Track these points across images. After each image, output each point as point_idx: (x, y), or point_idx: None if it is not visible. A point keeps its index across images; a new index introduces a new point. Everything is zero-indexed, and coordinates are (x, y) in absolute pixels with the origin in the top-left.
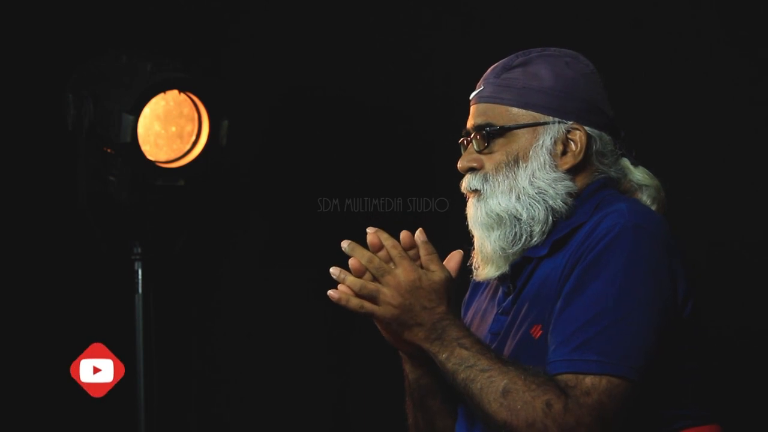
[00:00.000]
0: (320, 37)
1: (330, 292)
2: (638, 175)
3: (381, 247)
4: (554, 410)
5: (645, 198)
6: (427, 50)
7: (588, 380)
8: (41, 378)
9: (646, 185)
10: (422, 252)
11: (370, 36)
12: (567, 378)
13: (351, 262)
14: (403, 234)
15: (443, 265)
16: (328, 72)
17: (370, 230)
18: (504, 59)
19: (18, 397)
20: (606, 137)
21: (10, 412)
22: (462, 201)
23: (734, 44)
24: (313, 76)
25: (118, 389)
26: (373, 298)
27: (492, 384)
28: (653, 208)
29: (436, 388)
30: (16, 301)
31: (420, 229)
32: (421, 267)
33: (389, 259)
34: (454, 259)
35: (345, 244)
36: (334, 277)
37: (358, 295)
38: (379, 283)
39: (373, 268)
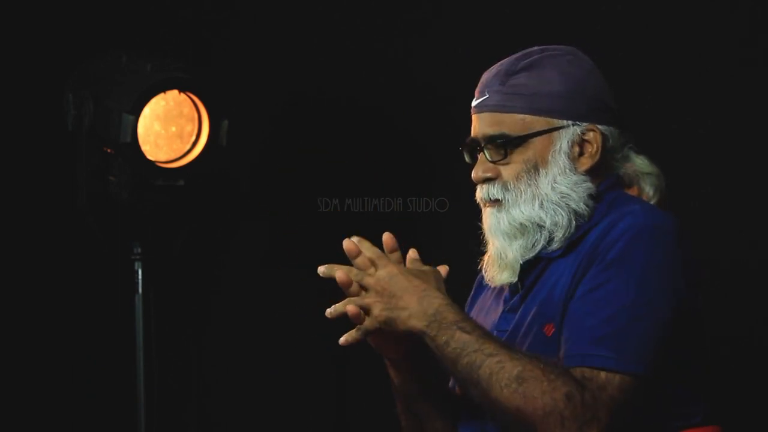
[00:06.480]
0: (320, 37)
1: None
2: (639, 161)
3: (358, 252)
4: (574, 402)
5: (647, 186)
6: (426, 50)
7: (603, 375)
8: (41, 378)
9: (648, 173)
10: (408, 256)
11: (370, 36)
12: (584, 371)
13: (337, 275)
14: (385, 236)
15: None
16: (329, 72)
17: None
18: (502, 63)
19: (18, 397)
20: (615, 132)
21: (11, 412)
22: (462, 201)
23: (734, 44)
24: (313, 77)
25: (118, 389)
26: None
27: (503, 369)
28: (655, 195)
29: (421, 393)
30: (16, 301)
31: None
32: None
33: (370, 265)
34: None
35: (321, 270)
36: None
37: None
38: (365, 291)
39: (354, 277)
